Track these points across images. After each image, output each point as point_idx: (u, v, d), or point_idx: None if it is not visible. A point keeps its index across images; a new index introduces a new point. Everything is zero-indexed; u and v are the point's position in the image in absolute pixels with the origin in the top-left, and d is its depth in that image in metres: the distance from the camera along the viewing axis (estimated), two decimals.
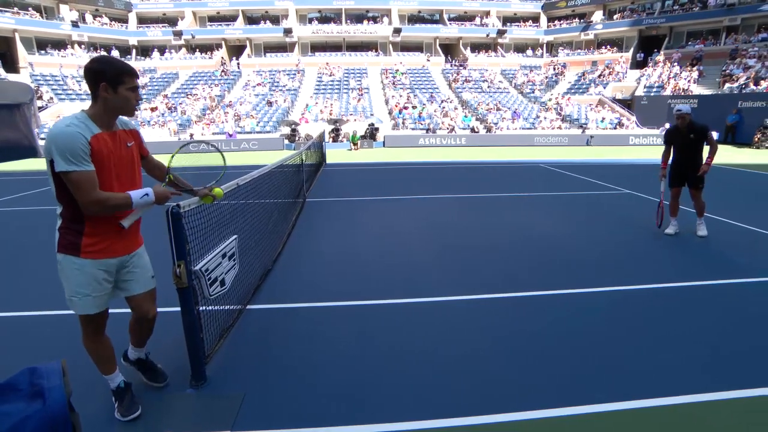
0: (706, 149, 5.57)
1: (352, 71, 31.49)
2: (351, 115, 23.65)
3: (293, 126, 19.82)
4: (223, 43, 34.01)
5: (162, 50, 33.13)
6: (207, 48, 33.87)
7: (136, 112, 2.36)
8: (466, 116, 23.96)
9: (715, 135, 20.23)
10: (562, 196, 8.60)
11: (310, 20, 36.15)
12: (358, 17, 35.92)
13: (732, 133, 19.96)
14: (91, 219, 2.06)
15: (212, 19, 35.76)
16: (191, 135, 20.98)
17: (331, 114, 23.53)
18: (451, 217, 6.95)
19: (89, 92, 2.05)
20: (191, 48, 33.94)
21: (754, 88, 21.09)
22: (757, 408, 2.43)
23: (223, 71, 30.61)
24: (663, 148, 5.89)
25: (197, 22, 35.22)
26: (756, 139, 18.27)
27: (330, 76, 30.66)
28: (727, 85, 23.24)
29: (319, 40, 35.42)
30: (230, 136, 20.58)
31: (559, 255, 5.05)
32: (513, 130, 22.47)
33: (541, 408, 2.43)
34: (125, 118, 2.22)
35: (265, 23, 35.19)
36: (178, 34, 32.67)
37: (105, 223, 2.10)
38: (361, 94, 27.22)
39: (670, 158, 5.78)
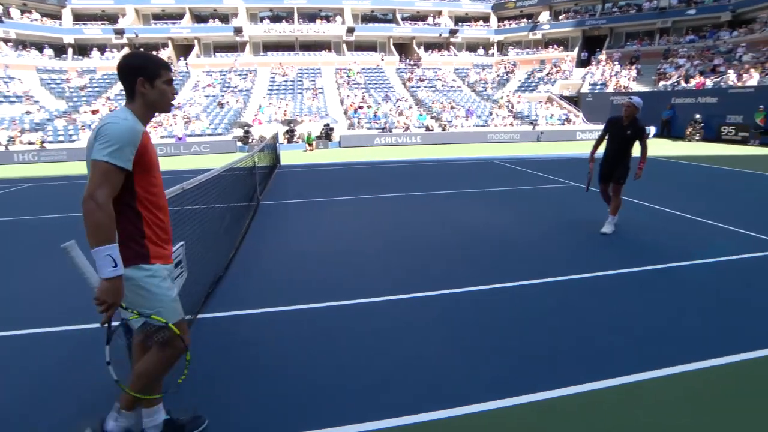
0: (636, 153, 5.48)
1: (305, 71, 31.06)
2: (306, 115, 23.32)
3: (246, 128, 19.28)
4: (169, 42, 32.57)
5: (102, 49, 31.31)
6: (152, 47, 32.28)
7: (171, 108, 2.21)
8: (421, 115, 24.22)
9: (652, 129, 21.68)
10: (514, 191, 8.85)
11: (261, 19, 35.30)
12: (310, 16, 35.45)
13: (667, 128, 21.31)
14: (150, 226, 1.91)
15: (157, 17, 34.17)
16: None
17: (285, 115, 23.09)
18: (405, 216, 6.98)
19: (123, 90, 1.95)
20: (135, 47, 32.26)
21: (685, 85, 22.62)
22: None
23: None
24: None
25: (140, 20, 33.53)
26: (688, 132, 19.60)
27: (283, 76, 30.08)
28: (662, 82, 24.79)
29: (271, 40, 34.65)
30: (180, 139, 19.75)
31: (506, 250, 5.17)
32: (467, 128, 22.94)
33: (490, 400, 2.45)
34: None
35: (214, 22, 34.03)
36: (120, 33, 30.97)
37: (160, 230, 1.97)
38: (316, 94, 26.91)
39: (601, 151, 5.74)
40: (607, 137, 5.65)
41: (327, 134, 20.15)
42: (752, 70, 20.45)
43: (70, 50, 31.04)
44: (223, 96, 26.18)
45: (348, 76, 29.95)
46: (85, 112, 22.61)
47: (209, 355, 3.04)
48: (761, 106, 17.18)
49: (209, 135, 21.15)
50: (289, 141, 19.72)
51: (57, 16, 31.89)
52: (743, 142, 17.74)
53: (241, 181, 7.68)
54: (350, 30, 33.99)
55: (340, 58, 33.35)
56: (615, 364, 2.79)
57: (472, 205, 7.62)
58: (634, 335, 3.16)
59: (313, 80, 29.59)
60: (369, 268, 4.66)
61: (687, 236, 5.57)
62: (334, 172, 12.62)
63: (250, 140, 18.77)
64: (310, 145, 17.94)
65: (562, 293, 3.94)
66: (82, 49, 31.63)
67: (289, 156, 16.20)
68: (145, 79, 1.88)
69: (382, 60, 33.37)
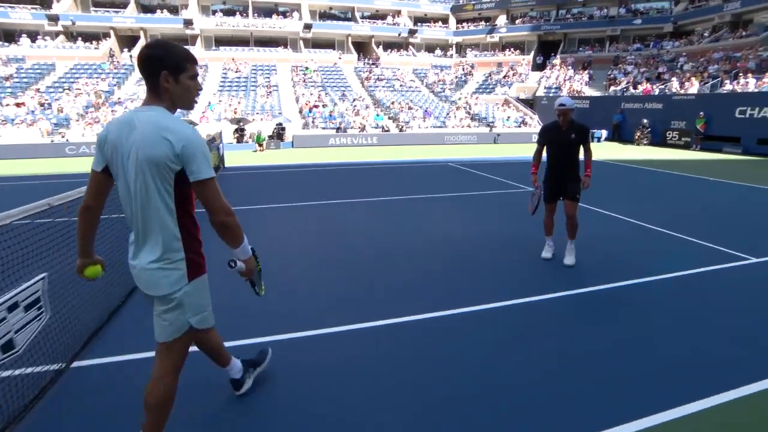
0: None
1: (260, 67, 29.87)
2: (257, 113, 22.28)
3: (192, 125, 18.07)
4: (111, 32, 30.41)
5: (33, 36, 28.75)
6: (92, 37, 30.04)
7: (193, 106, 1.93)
8: (378, 115, 23.75)
9: (604, 133, 22.24)
10: (471, 197, 8.49)
11: (214, 12, 33.69)
12: (266, 11, 34.20)
13: (617, 131, 21.91)
14: (198, 233, 1.93)
15: (98, 3, 31.85)
16: (64, 137, 18.28)
17: (235, 113, 21.95)
18: (357, 227, 6.42)
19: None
20: (72, 36, 29.92)
21: (633, 91, 23.39)
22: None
23: (112, 64, 27.34)
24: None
25: (78, 7, 31.13)
26: (636, 136, 20.20)
27: (236, 72, 28.77)
28: (612, 87, 25.56)
29: (224, 34, 33.13)
30: None
31: (464, 266, 4.72)
32: (424, 129, 22.69)
33: None
34: None
35: (162, 12, 32.12)
36: (54, 19, 28.56)
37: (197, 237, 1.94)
38: (270, 92, 25.85)
39: (543, 165, 4.80)
40: (546, 149, 4.69)
41: (279, 134, 19.26)
42: (693, 78, 21.39)
43: None
44: None
45: (304, 74, 29.04)
46: (8, 105, 20.53)
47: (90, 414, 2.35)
48: (701, 113, 17.89)
49: None
50: (239, 141, 18.69)
51: None
52: (686, 146, 18.43)
53: None
54: (307, 26, 33.08)
55: (296, 55, 32.34)
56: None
57: (429, 213, 7.17)
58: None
59: (268, 77, 28.47)
60: (310, 291, 4.07)
61: (651, 248, 5.35)
62: (285, 174, 11.88)
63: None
64: (261, 145, 17.03)
65: (524, 317, 3.51)
66: (9, 35, 28.94)
67: (237, 157, 15.25)
68: (170, 72, 1.73)
69: (340, 58, 32.64)
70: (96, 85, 24.17)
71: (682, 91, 20.43)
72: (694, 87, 20.50)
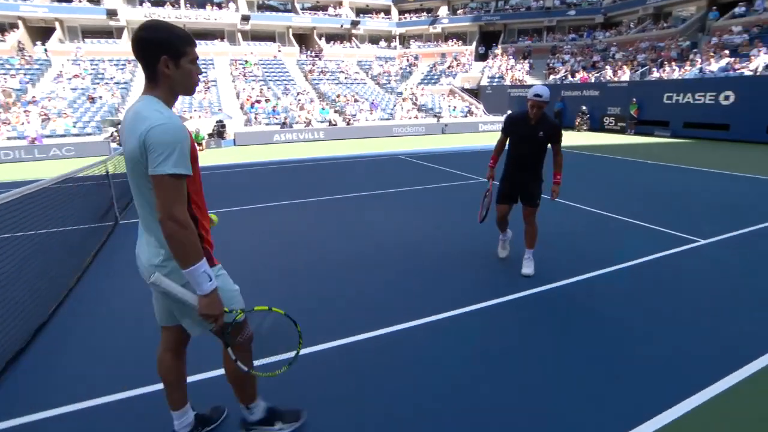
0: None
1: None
2: (195, 111, 20.94)
3: (119, 126, 16.58)
4: (20, 22, 27.39)
5: None
6: None
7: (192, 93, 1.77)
8: (323, 109, 23.10)
9: None
10: (423, 191, 8.26)
11: (141, 2, 31.28)
12: (199, 2, 32.23)
13: (559, 118, 22.66)
14: (203, 228, 1.78)
15: None
16: None
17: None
18: (305, 230, 5.97)
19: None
20: None
21: (572, 79, 24.31)
22: None
23: (23, 58, 24.61)
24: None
25: None
26: (577, 123, 21.01)
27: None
28: (552, 76, 26.45)
29: None
30: (34, 141, 16.42)
31: (416, 270, 4.44)
32: (372, 122, 22.35)
33: None
34: None
35: (80, 2, 29.34)
36: None
37: (206, 231, 1.83)
38: (208, 87, 24.40)
39: (503, 160, 4.31)
40: (509, 141, 4.10)
41: (219, 132, 18.16)
42: (624, 66, 22.53)
43: None
44: (95, 89, 22.57)
45: (244, 68, 27.70)
46: None
47: None
48: (634, 99, 18.86)
49: (75, 135, 17.95)
50: None
51: None
52: (622, 131, 19.38)
53: (86, 196, 6.09)
54: (245, 18, 31.58)
55: (234, 48, 30.80)
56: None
57: (381, 211, 6.85)
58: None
59: (205, 72, 26.85)
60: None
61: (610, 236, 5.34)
62: (227, 175, 11.10)
63: None
64: (199, 144, 15.93)
65: (483, 322, 3.27)
66: None
67: None
68: (170, 57, 1.59)
69: (279, 51, 31.42)
70: (4, 82, 21.66)
71: (616, 79, 21.45)
72: (626, 75, 21.58)
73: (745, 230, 5.24)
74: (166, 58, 1.57)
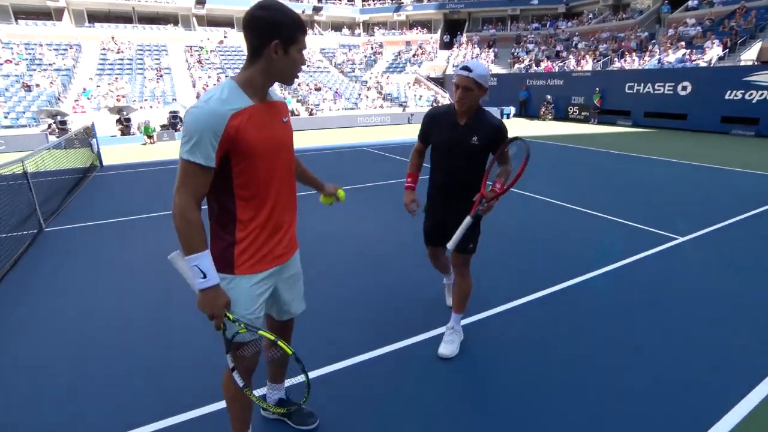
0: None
1: (147, 48, 26.40)
2: (146, 100, 19.59)
3: (58, 117, 15.21)
4: None
5: None
6: None
7: (291, 82, 1.64)
8: (285, 98, 22.17)
9: (512, 110, 22.93)
10: (387, 187, 7.82)
11: None
12: None
13: (524, 107, 22.73)
14: (245, 230, 1.65)
15: None
16: None
17: (118, 100, 19.06)
18: None
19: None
20: None
21: (536, 69, 24.37)
22: None
23: None
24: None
25: None
26: (542, 112, 21.08)
27: (118, 53, 25.10)
28: (516, 65, 26.46)
29: (98, 9, 28.77)
30: None
31: (377, 291, 3.99)
32: (336, 112, 21.65)
33: None
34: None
35: None
36: None
37: (261, 233, 1.69)
38: (161, 75, 22.93)
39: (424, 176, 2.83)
40: (431, 151, 2.70)
41: (173, 123, 16.99)
42: (587, 56, 22.75)
43: None
44: (31, 76, 20.69)
45: (200, 55, 26.23)
46: None
47: None
48: (597, 89, 19.04)
49: (6, 127, 16.35)
50: (123, 133, 16.16)
51: None
52: (585, 120, 19.58)
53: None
54: (200, 2, 29.89)
55: (190, 34, 29.14)
56: None
57: (349, 210, 6.34)
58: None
59: (158, 59, 25.25)
60: (187, 329, 3.04)
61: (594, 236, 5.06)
62: (173, 171, 10.25)
63: (68, 133, 14.83)
64: (150, 137, 14.81)
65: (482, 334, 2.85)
66: None
67: (121, 152, 13.07)
68: (281, 42, 1.50)
69: (225, 36, 29.46)
70: None
71: (579, 69, 21.62)
72: (588, 64, 21.79)
73: (719, 225, 5.10)
74: (278, 42, 1.49)
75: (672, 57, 18.47)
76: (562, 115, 20.79)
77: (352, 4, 36.55)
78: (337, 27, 35.76)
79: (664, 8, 23.83)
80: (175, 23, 30.30)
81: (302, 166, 2.10)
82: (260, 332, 1.60)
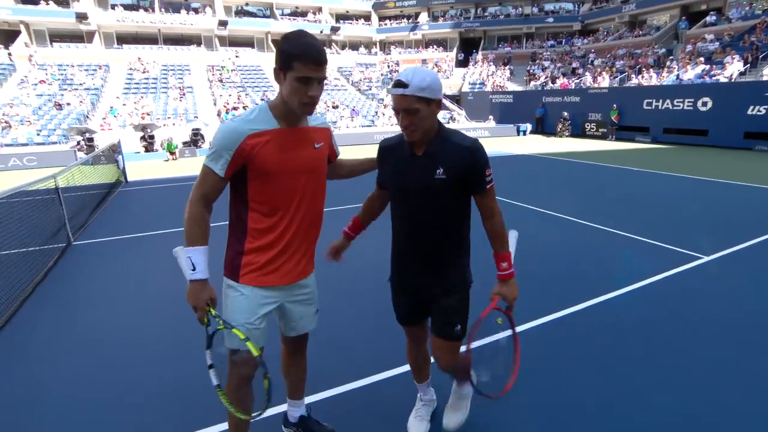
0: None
1: (171, 67, 27.35)
2: (169, 118, 20.20)
3: (86, 134, 15.78)
4: None
5: None
6: None
7: (307, 112, 1.70)
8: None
9: (528, 126, 22.88)
10: None
11: (113, 6, 30.32)
12: (174, 6, 31.46)
13: (540, 124, 22.70)
14: (256, 242, 1.74)
15: None
16: None
17: (143, 118, 19.69)
18: None
19: None
20: None
21: (552, 85, 24.40)
22: None
23: None
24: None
25: None
26: (558, 129, 21.01)
27: (143, 72, 26.06)
28: (532, 82, 26.54)
29: (126, 31, 29.97)
30: None
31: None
32: (353, 129, 21.95)
33: None
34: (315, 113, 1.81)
35: (47, 4, 28.21)
36: None
37: (268, 249, 1.75)
38: (183, 94, 23.66)
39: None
40: (390, 201, 1.98)
41: (195, 140, 17.47)
42: (603, 73, 22.70)
43: None
44: (62, 95, 21.58)
45: (221, 74, 27.02)
46: None
47: None
48: (614, 105, 18.93)
49: (39, 144, 17.02)
50: (147, 149, 16.66)
51: None
52: (603, 137, 19.43)
53: (31, 214, 5.50)
54: (222, 23, 30.91)
55: (212, 54, 30.09)
56: None
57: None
58: None
59: (181, 78, 26.11)
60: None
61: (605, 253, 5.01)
62: None
63: (95, 149, 15.35)
64: (172, 153, 15.24)
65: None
66: None
67: (145, 169, 13.47)
68: (281, 69, 1.60)
69: (237, 56, 30.54)
70: None
71: (596, 85, 21.57)
72: (605, 81, 21.73)
73: (746, 244, 4.99)
74: (277, 69, 1.62)
75: (691, 73, 18.31)
76: (579, 132, 20.69)
77: (368, 24, 37.31)
78: (354, 46, 36.49)
79: (682, 24, 23.74)
80: (198, 44, 31.34)
81: (349, 161, 2.21)
82: (248, 343, 1.62)
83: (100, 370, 2.93)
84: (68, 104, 20.83)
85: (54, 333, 3.49)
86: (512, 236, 1.93)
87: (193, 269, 1.65)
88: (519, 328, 3.27)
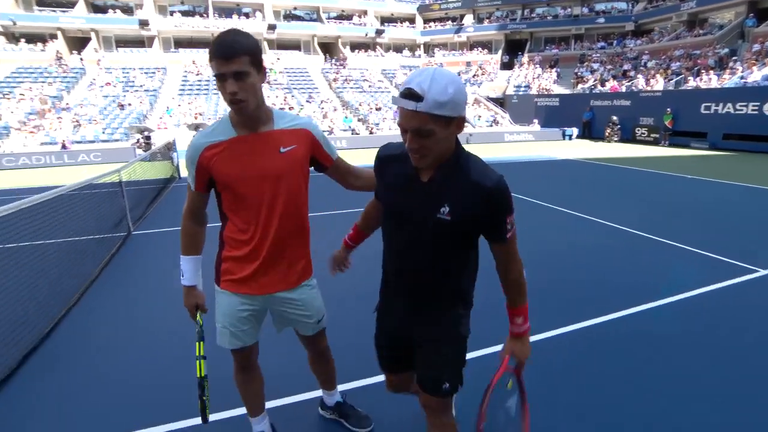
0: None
1: None
2: (219, 118, 21.14)
3: (145, 132, 16.86)
4: (59, 33, 28.47)
5: None
6: (37, 38, 28.04)
7: (237, 110, 1.58)
8: (346, 117, 23.02)
9: (575, 131, 22.19)
10: None
11: (172, 13, 32.15)
12: (227, 12, 32.93)
13: (588, 129, 21.95)
14: (231, 250, 1.78)
15: (42, 3, 29.76)
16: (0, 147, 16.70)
17: (196, 118, 20.77)
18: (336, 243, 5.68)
19: None
20: (13, 37, 27.83)
21: (601, 88, 23.54)
22: None
23: (60, 67, 25.51)
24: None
25: (20, 6, 28.98)
26: (607, 133, 20.25)
27: (197, 75, 27.45)
28: (580, 85, 25.72)
29: (183, 36, 31.64)
30: (64, 146, 16.83)
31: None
32: (395, 131, 22.10)
33: None
34: (292, 113, 1.82)
35: (114, 12, 30.36)
36: None
37: (240, 256, 1.76)
38: None
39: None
40: (383, 216, 1.60)
41: None
42: (657, 75, 21.65)
43: None
44: (125, 97, 23.14)
45: (268, 75, 27.98)
46: None
47: None
48: (668, 109, 18.02)
49: (103, 141, 18.34)
50: None
51: None
52: (655, 143, 18.54)
53: (97, 205, 5.99)
54: (271, 27, 31.99)
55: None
56: None
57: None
58: None
59: None
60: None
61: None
62: None
63: (152, 147, 16.38)
64: None
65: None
66: None
67: None
68: None
69: (278, 59, 31.47)
70: (42, 90, 22.41)
71: (649, 88, 20.62)
72: (659, 84, 20.73)
73: None
74: None
75: (758, 74, 17.13)
76: (628, 137, 19.84)
77: (413, 27, 37.44)
78: (398, 48, 36.72)
79: (749, 22, 22.19)
80: None
81: (368, 174, 1.90)
82: (197, 361, 1.75)
83: (149, 350, 3.19)
84: (129, 104, 22.30)
85: (115, 313, 3.82)
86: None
87: (182, 275, 1.83)
88: (562, 330, 3.27)
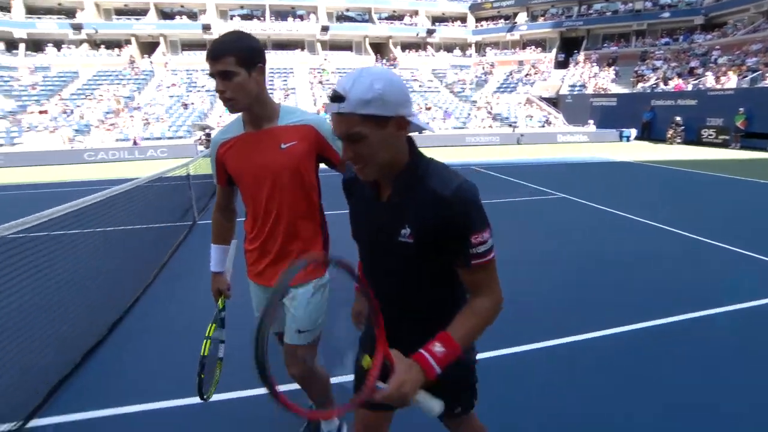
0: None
1: (277, 71, 29.76)
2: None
3: (206, 130, 17.95)
4: (133, 39, 30.84)
5: (58, 45, 29.35)
6: (114, 44, 30.54)
7: (228, 108, 1.65)
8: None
9: (633, 132, 21.13)
10: (498, 205, 7.89)
11: (232, 17, 33.88)
12: (283, 14, 34.20)
13: (648, 130, 20.86)
14: (251, 241, 1.85)
15: (119, 12, 32.35)
16: (82, 143, 18.36)
17: None
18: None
19: None
20: (95, 44, 30.44)
21: (664, 87, 22.27)
22: None
23: (133, 70, 27.65)
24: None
25: (101, 15, 31.67)
26: (669, 135, 19.16)
27: None
28: (640, 84, 24.45)
29: None
30: (135, 142, 18.28)
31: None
32: (445, 131, 22.08)
33: None
34: (302, 110, 1.82)
35: (181, 18, 32.44)
36: (78, 28, 29.11)
37: (258, 247, 1.84)
38: (287, 95, 25.69)
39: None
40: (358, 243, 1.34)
41: None
42: (730, 72, 20.17)
43: (22, 45, 28.94)
44: (188, 96, 24.71)
45: (321, 75, 28.80)
46: (32, 112, 20.86)
47: None
48: (741, 109, 16.78)
49: (169, 138, 19.72)
50: None
51: (6, 8, 29.69)
52: (724, 145, 17.33)
53: (165, 197, 6.56)
54: (324, 29, 32.88)
55: (313, 57, 32.18)
56: None
57: None
58: None
59: (285, 80, 28.34)
60: None
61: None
62: None
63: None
64: None
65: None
66: (37, 45, 29.57)
67: None
68: None
69: (326, 59, 32.05)
70: (116, 91, 24.41)
71: (719, 86, 19.28)
72: (731, 81, 19.32)
73: None
74: None
75: None
76: (693, 139, 18.66)
77: (464, 26, 37.08)
78: (448, 48, 36.52)
79: None
80: (302, 48, 33.69)
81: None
82: (204, 343, 1.84)
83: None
84: (192, 104, 23.78)
85: (182, 295, 4.23)
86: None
87: (211, 262, 1.97)
88: (604, 333, 3.28)
